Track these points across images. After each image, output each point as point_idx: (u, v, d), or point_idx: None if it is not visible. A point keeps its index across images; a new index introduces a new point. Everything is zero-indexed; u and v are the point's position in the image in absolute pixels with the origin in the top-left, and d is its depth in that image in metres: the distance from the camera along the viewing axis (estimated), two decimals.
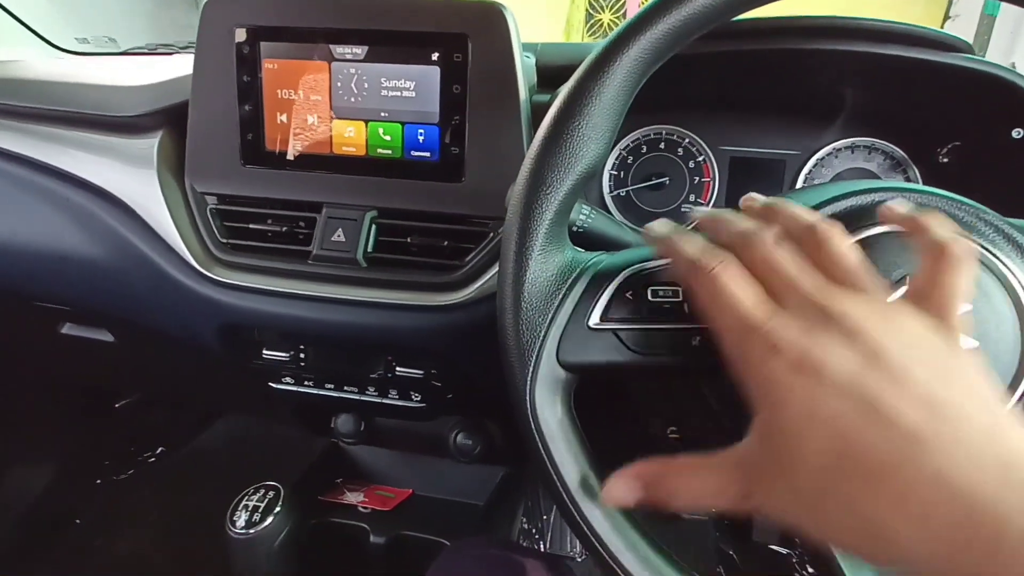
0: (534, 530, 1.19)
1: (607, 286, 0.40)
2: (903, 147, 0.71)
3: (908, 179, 0.71)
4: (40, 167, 0.72)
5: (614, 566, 0.37)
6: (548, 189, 0.39)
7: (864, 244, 0.37)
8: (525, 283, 0.39)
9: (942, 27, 1.41)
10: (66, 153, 0.72)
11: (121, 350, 0.94)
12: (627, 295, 0.39)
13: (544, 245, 0.40)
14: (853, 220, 0.37)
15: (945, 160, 0.68)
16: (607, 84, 0.39)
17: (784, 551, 1.23)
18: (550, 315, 0.39)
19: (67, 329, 0.93)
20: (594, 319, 0.39)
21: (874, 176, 0.73)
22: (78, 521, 1.28)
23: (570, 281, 0.40)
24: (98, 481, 1.34)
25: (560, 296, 0.39)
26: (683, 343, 0.39)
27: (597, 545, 0.37)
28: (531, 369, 0.38)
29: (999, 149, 0.60)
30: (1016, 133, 0.58)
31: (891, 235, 0.37)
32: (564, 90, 0.40)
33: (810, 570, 1.22)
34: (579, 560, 1.19)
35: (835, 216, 0.38)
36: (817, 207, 0.38)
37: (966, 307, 0.35)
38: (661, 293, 0.39)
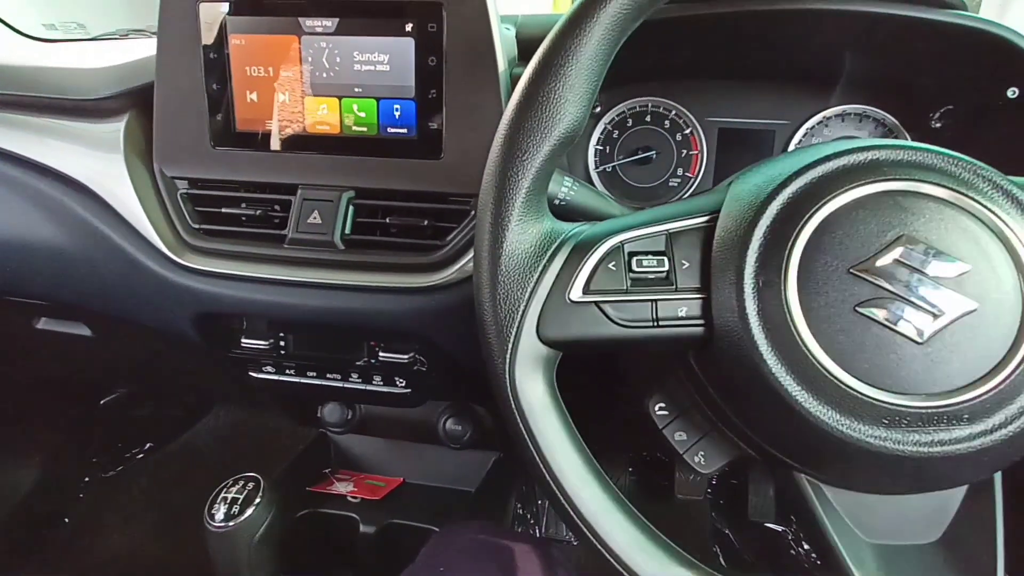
0: (529, 515, 1.17)
1: (589, 257, 0.38)
2: (895, 114, 0.69)
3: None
4: (2, 155, 0.69)
5: (600, 547, 0.35)
6: (524, 156, 0.37)
7: (859, 203, 0.35)
8: (502, 255, 0.37)
9: None
10: (29, 140, 0.69)
11: (100, 344, 0.92)
12: (610, 266, 0.38)
13: (521, 215, 0.38)
14: (850, 177, 0.35)
15: (938, 125, 0.66)
16: (584, 42, 0.37)
17: (780, 529, 1.23)
18: (529, 288, 0.37)
19: (43, 324, 0.91)
20: (576, 292, 0.37)
21: None
22: (67, 519, 1.26)
23: (550, 252, 0.38)
24: (86, 479, 1.32)
25: (539, 268, 0.37)
26: (670, 314, 0.37)
27: (582, 526, 0.35)
28: (510, 345, 0.37)
29: (994, 109, 0.59)
30: (1011, 92, 0.56)
31: (887, 193, 0.35)
32: (539, 50, 0.38)
33: (805, 547, 1.22)
34: (575, 544, 1.19)
35: (833, 173, 0.36)
36: (812, 165, 0.36)
37: (965, 267, 0.33)
38: (646, 263, 0.38)
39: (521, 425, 0.36)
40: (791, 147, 0.72)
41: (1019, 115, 0.56)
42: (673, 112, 0.74)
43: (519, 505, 1.15)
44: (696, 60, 0.72)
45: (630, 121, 0.75)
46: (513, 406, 0.36)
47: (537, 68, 0.38)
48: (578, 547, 1.10)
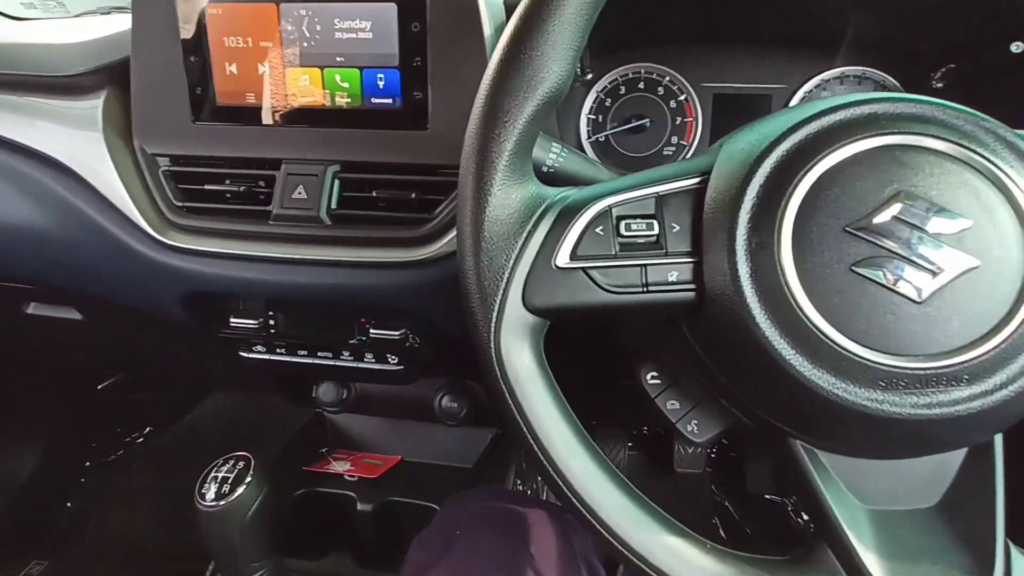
0: (528, 491, 1.18)
1: (575, 221, 0.36)
2: (895, 75, 0.67)
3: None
4: None
5: (589, 517, 0.34)
6: (506, 116, 0.36)
7: (856, 159, 0.33)
8: (485, 221, 0.36)
9: None
10: (5, 119, 0.67)
11: (92, 328, 0.91)
12: (598, 231, 0.36)
13: (504, 179, 0.36)
14: (847, 132, 0.34)
15: (939, 85, 0.64)
16: None
17: (778, 499, 1.24)
18: (514, 255, 0.36)
19: (33, 309, 0.90)
20: (562, 258, 0.36)
21: None
22: (69, 504, 1.27)
23: (535, 218, 0.36)
24: (87, 463, 1.32)
25: (524, 234, 0.36)
26: (660, 279, 0.36)
27: (571, 496, 0.35)
28: (495, 314, 0.35)
29: (996, 66, 0.57)
30: (1015, 47, 0.54)
31: (884, 148, 0.33)
32: (520, 5, 0.36)
33: (805, 517, 1.23)
34: None
35: (828, 129, 0.34)
36: (807, 121, 0.34)
37: (966, 223, 0.32)
38: (635, 227, 0.36)
39: (507, 395, 0.35)
40: None
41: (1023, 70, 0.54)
42: (667, 78, 0.72)
43: (518, 481, 1.15)
44: (690, 24, 0.70)
45: (623, 89, 0.73)
46: (499, 376, 0.35)
47: (518, 24, 0.36)
48: None
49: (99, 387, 1.33)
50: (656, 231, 0.36)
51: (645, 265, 0.36)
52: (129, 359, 1.16)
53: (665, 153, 0.73)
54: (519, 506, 0.59)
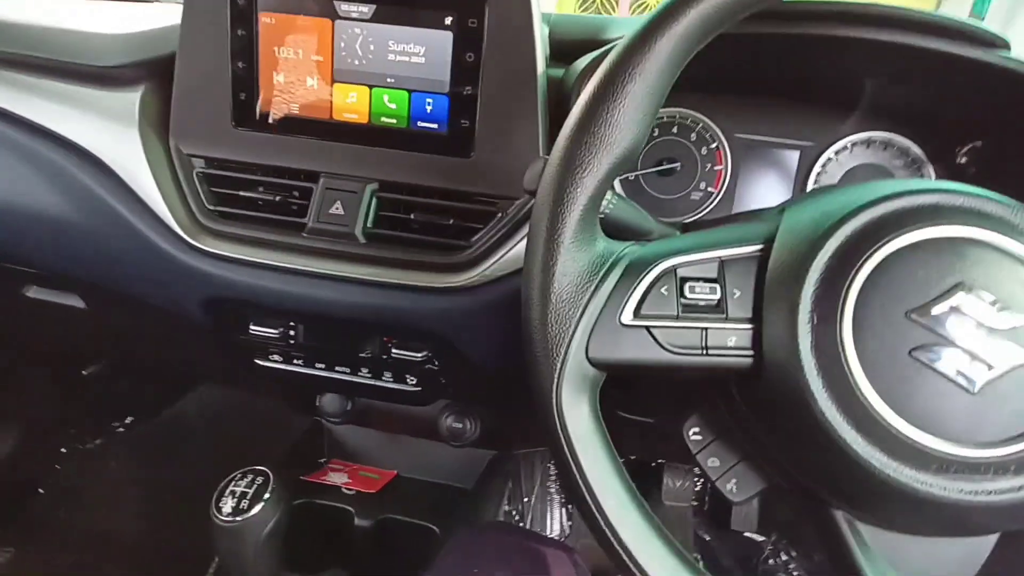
0: (515, 512, 1.18)
1: (641, 280, 0.37)
2: (921, 144, 0.69)
3: (923, 177, 0.70)
4: (7, 117, 0.66)
5: (638, 574, 0.35)
6: (584, 172, 0.36)
7: (918, 247, 0.35)
8: (555, 273, 0.36)
9: None
10: (37, 104, 0.66)
11: (93, 317, 0.89)
12: (663, 291, 0.37)
13: (576, 233, 0.37)
14: (911, 219, 0.35)
15: (963, 160, 0.66)
16: (653, 59, 0.36)
17: (760, 539, 1.26)
18: (580, 309, 0.36)
19: (33, 293, 0.88)
20: (627, 315, 0.37)
21: (888, 174, 0.71)
22: (41, 491, 1.23)
23: (602, 273, 0.37)
24: (63, 450, 1.28)
25: (592, 289, 0.37)
26: (720, 343, 0.37)
27: (621, 552, 0.35)
28: (559, 366, 0.36)
29: (1022, 151, 0.59)
30: None
31: (947, 240, 0.35)
32: (605, 64, 0.37)
33: (783, 557, 1.25)
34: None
35: (893, 214, 0.35)
36: (872, 204, 0.36)
37: (1021, 320, 0.33)
38: (698, 290, 0.37)
39: (566, 447, 0.36)
40: (815, 169, 0.72)
41: None
42: (700, 125, 0.74)
43: (507, 503, 1.15)
44: (727, 76, 0.71)
45: (657, 131, 0.74)
46: (559, 429, 0.36)
47: (602, 83, 0.37)
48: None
49: (84, 372, 1.29)
50: (718, 295, 0.37)
51: (706, 328, 0.37)
52: (121, 347, 1.13)
53: (693, 198, 0.75)
54: (534, 544, 0.59)
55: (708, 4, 0.35)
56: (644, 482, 1.24)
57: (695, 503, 1.25)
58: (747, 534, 1.24)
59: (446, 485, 0.92)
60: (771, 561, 1.22)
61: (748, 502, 0.41)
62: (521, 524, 1.17)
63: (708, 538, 1.25)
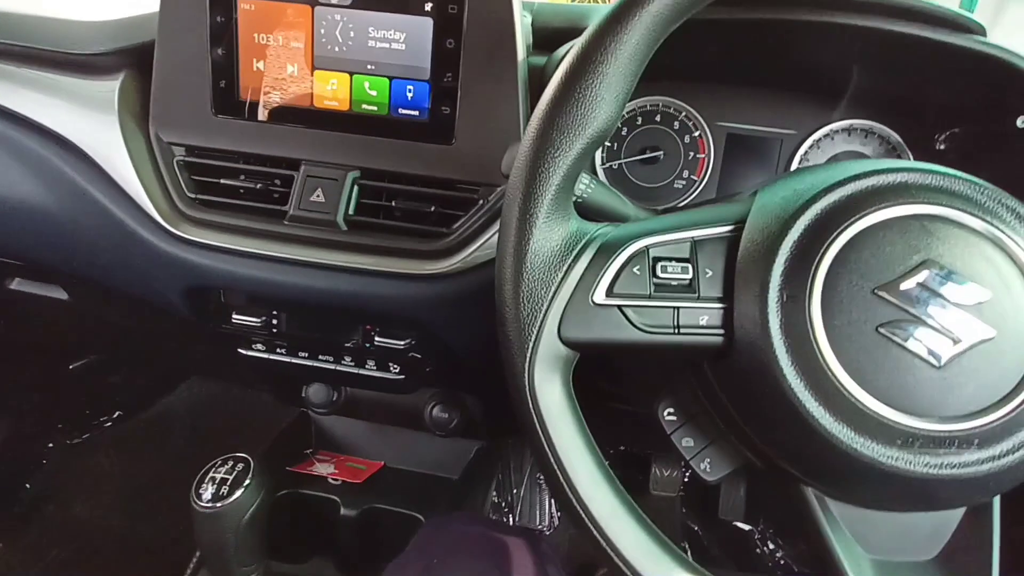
0: (504, 504, 1.18)
1: (614, 259, 0.37)
2: (900, 132, 0.70)
3: None
4: None
5: (610, 551, 0.35)
6: (556, 152, 0.37)
7: (886, 225, 0.35)
8: (528, 253, 0.36)
9: None
10: (16, 92, 0.66)
11: (76, 309, 0.89)
12: (635, 270, 0.37)
13: (549, 213, 0.37)
14: (879, 198, 0.35)
15: (942, 147, 0.67)
16: (625, 41, 0.36)
17: (747, 528, 1.27)
18: (553, 288, 0.37)
19: (16, 285, 0.87)
20: (599, 294, 0.37)
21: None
22: (28, 486, 1.23)
23: (575, 253, 0.37)
24: (50, 445, 1.28)
25: (564, 268, 0.37)
26: (691, 322, 0.37)
27: (593, 529, 0.35)
28: (531, 345, 0.36)
29: (1000, 137, 0.60)
30: (1021, 122, 0.57)
31: (914, 217, 0.35)
32: (577, 45, 0.37)
33: (771, 546, 1.26)
34: (547, 533, 1.20)
35: (862, 193, 0.36)
36: (841, 183, 0.36)
37: (986, 295, 0.34)
38: (670, 269, 0.37)
39: (538, 425, 0.36)
40: (797, 157, 0.73)
41: None
42: (683, 114, 0.74)
43: (495, 493, 1.15)
44: (709, 64, 0.72)
45: (640, 119, 0.75)
46: (530, 406, 0.36)
47: (575, 64, 0.37)
48: (551, 535, 1.11)
49: (71, 367, 1.29)
50: (690, 275, 0.38)
51: (678, 307, 0.37)
52: (107, 340, 1.13)
53: (676, 186, 0.75)
54: (497, 533, 0.60)
55: None
56: (632, 472, 1.24)
57: (683, 493, 1.25)
58: (735, 523, 1.25)
59: (433, 475, 0.92)
60: (759, 550, 1.23)
61: (721, 481, 0.42)
62: (510, 514, 1.18)
63: (696, 527, 1.26)
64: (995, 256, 0.35)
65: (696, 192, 0.75)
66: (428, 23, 0.58)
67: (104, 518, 1.19)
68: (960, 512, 0.37)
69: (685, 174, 0.75)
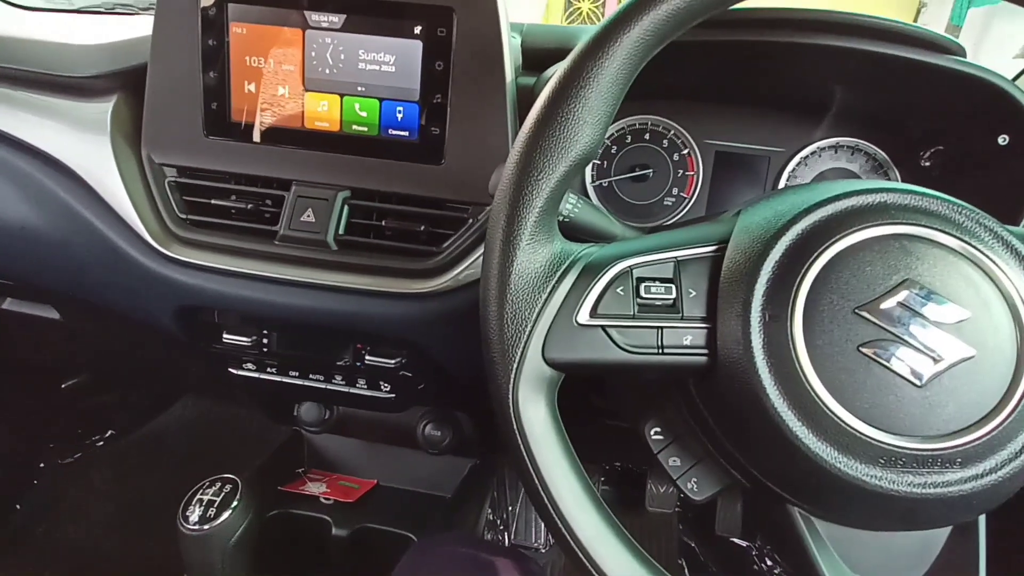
0: (499, 521, 1.17)
1: (597, 280, 0.38)
2: (886, 149, 0.71)
3: (889, 180, 0.71)
4: None
5: (594, 572, 0.35)
6: (539, 175, 0.37)
7: (866, 245, 0.35)
8: (512, 274, 0.37)
9: None
10: (10, 114, 0.66)
11: (68, 328, 0.88)
12: (618, 291, 0.38)
13: (533, 234, 0.37)
14: (859, 218, 0.36)
15: (927, 164, 0.68)
16: (606, 66, 0.37)
17: (744, 544, 1.26)
18: (537, 309, 0.37)
19: (8, 305, 0.87)
20: (583, 315, 0.37)
21: (856, 177, 0.72)
22: (19, 507, 1.21)
23: (559, 274, 0.38)
24: (41, 465, 1.27)
25: (548, 289, 0.37)
26: (675, 342, 0.37)
27: (577, 550, 0.35)
28: (515, 365, 0.36)
29: (983, 154, 0.60)
30: (1002, 140, 0.58)
31: (893, 237, 0.36)
32: (560, 69, 0.38)
33: (768, 563, 1.25)
34: (543, 551, 1.19)
35: (842, 213, 0.36)
36: (822, 204, 0.37)
37: (965, 314, 0.34)
38: (654, 290, 0.38)
39: (522, 446, 0.36)
40: (784, 174, 0.74)
41: (1008, 162, 0.58)
42: (672, 132, 0.75)
43: (490, 511, 1.14)
44: (697, 83, 0.73)
45: (629, 138, 0.75)
46: (515, 427, 0.36)
47: (557, 88, 0.37)
48: (547, 553, 1.09)
49: (63, 386, 1.28)
50: (674, 295, 0.38)
51: (662, 327, 0.37)
52: (99, 360, 1.13)
53: (665, 203, 0.75)
54: (486, 553, 0.60)
55: (659, 12, 0.36)
56: (628, 489, 1.24)
57: (679, 509, 1.25)
58: (732, 539, 1.24)
59: (426, 494, 0.91)
60: (756, 566, 1.22)
61: (708, 500, 0.41)
62: (504, 532, 1.17)
63: (693, 543, 1.25)
64: (974, 275, 0.35)
65: (686, 209, 0.76)
66: (418, 46, 0.59)
67: (96, 539, 1.18)
68: (946, 531, 0.37)
69: (675, 191, 0.75)
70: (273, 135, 0.62)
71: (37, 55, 0.68)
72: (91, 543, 1.17)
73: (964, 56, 0.57)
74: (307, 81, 0.61)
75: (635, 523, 1.24)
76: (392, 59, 0.59)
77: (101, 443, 1.32)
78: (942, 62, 0.56)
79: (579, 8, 4.14)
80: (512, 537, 1.18)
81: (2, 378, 1.21)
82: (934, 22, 3.45)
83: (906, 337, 0.34)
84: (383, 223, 0.61)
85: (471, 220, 0.60)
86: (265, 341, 0.68)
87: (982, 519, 0.36)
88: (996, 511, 0.36)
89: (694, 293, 0.38)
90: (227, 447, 1.22)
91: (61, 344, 1.05)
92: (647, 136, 0.75)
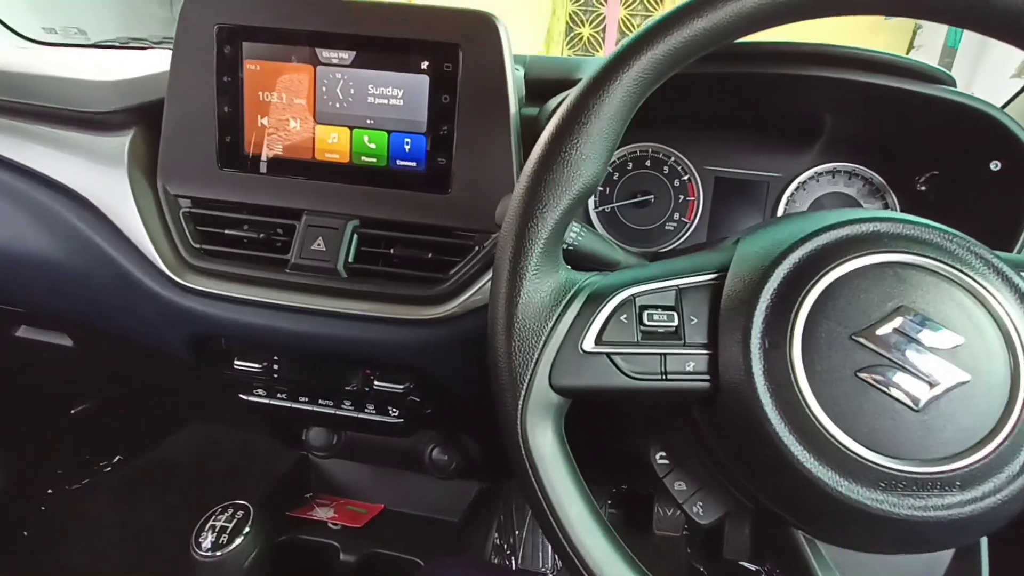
0: (506, 546, 1.17)
1: (602, 308, 0.39)
2: (882, 174, 0.72)
3: (886, 205, 0.73)
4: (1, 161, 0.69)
5: None
6: (544, 208, 0.38)
7: (861, 273, 0.37)
8: (519, 304, 0.38)
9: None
10: (29, 148, 0.68)
11: (80, 355, 0.90)
12: (622, 319, 0.39)
13: (538, 265, 0.39)
14: (853, 247, 0.37)
15: (923, 188, 0.69)
16: (607, 103, 0.38)
17: (754, 568, 1.24)
18: (543, 337, 0.38)
19: (22, 332, 0.89)
20: (588, 343, 0.38)
21: (853, 201, 0.74)
22: (26, 533, 1.22)
23: (564, 302, 0.39)
24: (49, 491, 1.27)
25: (554, 318, 0.38)
26: (678, 368, 0.38)
27: (585, 574, 0.36)
28: (523, 392, 0.37)
29: (977, 180, 0.62)
30: (994, 165, 0.59)
31: (888, 265, 0.37)
32: (562, 107, 0.40)
33: None
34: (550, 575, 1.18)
35: (837, 242, 0.37)
36: (817, 233, 0.38)
37: (959, 340, 0.35)
38: (656, 317, 0.39)
39: (530, 471, 0.37)
40: (783, 199, 0.75)
41: (1001, 187, 0.60)
42: (672, 159, 0.76)
43: (497, 535, 1.14)
44: (697, 112, 0.75)
45: (630, 165, 0.77)
46: (523, 453, 0.37)
47: (560, 125, 0.39)
48: None
49: (72, 411, 1.29)
50: (676, 322, 0.39)
51: (665, 354, 0.38)
52: (110, 386, 1.14)
53: (667, 228, 0.77)
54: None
55: (656, 52, 0.38)
56: (636, 511, 1.23)
57: (687, 532, 1.24)
58: (741, 563, 1.23)
59: (434, 518, 0.92)
60: None
61: (714, 524, 0.42)
62: (512, 556, 1.16)
63: (701, 567, 1.24)
64: (966, 302, 0.36)
65: (687, 234, 0.77)
66: (425, 80, 0.61)
67: (103, 565, 1.18)
68: (949, 554, 0.37)
69: (676, 216, 0.77)
70: (285, 166, 0.64)
71: (57, 91, 0.70)
72: (97, 569, 1.17)
73: (954, 86, 0.59)
74: (318, 114, 0.63)
75: (643, 546, 1.23)
76: (400, 93, 0.61)
77: (109, 468, 1.33)
78: (932, 91, 0.58)
79: (580, 33, 4.22)
80: (519, 561, 1.17)
81: (13, 404, 1.22)
82: (929, 44, 3.50)
83: (902, 363, 0.35)
84: (391, 251, 0.62)
85: (477, 247, 0.62)
86: (276, 367, 0.69)
87: (984, 542, 0.37)
88: (998, 534, 0.37)
89: (696, 320, 0.39)
90: (235, 472, 1.22)
91: (72, 370, 1.06)
92: (648, 163, 0.77)
